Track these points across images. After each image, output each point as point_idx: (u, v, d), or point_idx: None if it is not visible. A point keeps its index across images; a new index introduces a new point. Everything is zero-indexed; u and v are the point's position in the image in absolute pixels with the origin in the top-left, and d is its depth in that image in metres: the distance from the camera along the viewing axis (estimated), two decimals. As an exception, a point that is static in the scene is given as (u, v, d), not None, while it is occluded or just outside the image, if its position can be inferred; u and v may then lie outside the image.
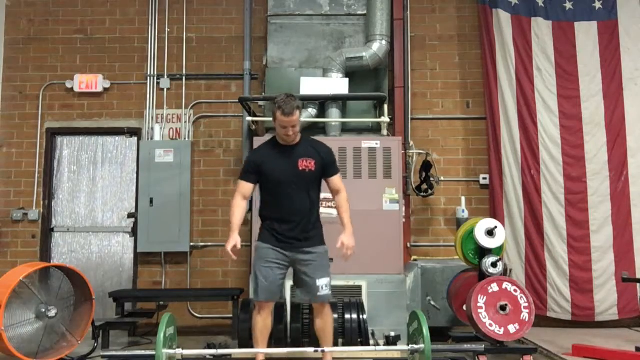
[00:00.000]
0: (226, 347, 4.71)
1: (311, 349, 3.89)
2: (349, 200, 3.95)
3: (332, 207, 5.02)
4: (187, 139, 6.40)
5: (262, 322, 3.85)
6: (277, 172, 3.82)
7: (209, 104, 6.52)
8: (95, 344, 4.66)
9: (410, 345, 3.81)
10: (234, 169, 6.36)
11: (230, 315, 5.82)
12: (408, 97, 6.29)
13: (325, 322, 3.89)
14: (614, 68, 6.19)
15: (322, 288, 3.78)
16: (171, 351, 3.64)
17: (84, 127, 6.53)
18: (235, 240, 3.72)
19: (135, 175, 6.39)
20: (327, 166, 3.91)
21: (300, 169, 3.82)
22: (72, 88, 6.52)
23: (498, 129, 6.16)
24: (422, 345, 3.65)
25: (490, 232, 4.65)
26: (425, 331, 3.63)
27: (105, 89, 6.54)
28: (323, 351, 3.85)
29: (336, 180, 3.95)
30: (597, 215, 5.99)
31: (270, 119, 5.70)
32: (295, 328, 4.54)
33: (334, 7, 6.11)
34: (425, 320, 3.70)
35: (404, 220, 5.25)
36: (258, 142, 5.34)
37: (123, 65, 6.58)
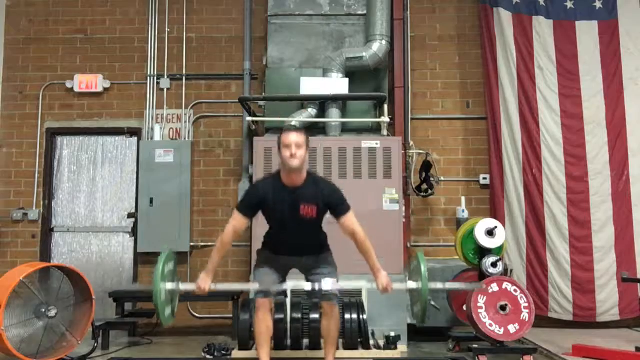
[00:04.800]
0: (226, 347, 4.71)
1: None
2: (367, 237, 3.63)
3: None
4: (187, 139, 6.40)
5: (262, 322, 3.75)
6: (279, 214, 3.66)
7: (209, 104, 6.52)
8: (95, 344, 4.66)
9: (409, 283, 3.76)
10: (234, 169, 6.36)
11: (230, 315, 5.82)
12: (408, 97, 6.29)
13: (332, 324, 3.82)
14: (614, 68, 6.18)
15: (327, 285, 3.70)
16: (170, 284, 3.58)
17: (84, 127, 6.53)
18: (207, 283, 3.59)
19: (135, 175, 6.39)
20: (332, 208, 3.63)
21: (302, 215, 3.60)
22: (72, 88, 6.52)
23: (499, 128, 6.15)
24: (419, 283, 3.62)
25: (490, 232, 4.65)
26: (424, 270, 3.59)
27: (105, 89, 6.54)
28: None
29: (346, 221, 3.61)
30: (599, 215, 5.97)
31: (271, 118, 5.78)
32: (295, 328, 4.55)
33: (334, 7, 6.11)
34: (424, 259, 3.66)
35: (404, 220, 5.25)
36: (258, 142, 5.38)
37: (123, 65, 6.58)
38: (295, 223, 3.63)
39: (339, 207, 3.62)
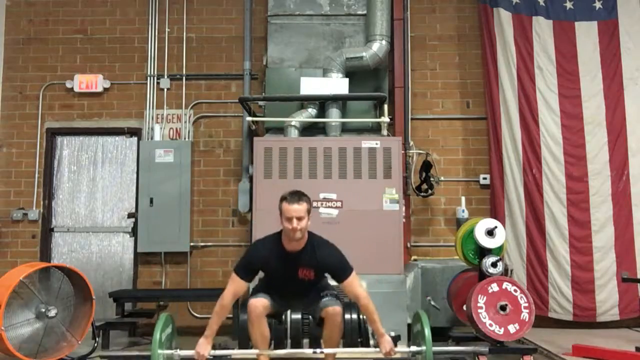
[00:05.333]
0: (226, 347, 4.70)
1: (309, 350, 3.82)
2: (371, 302, 3.56)
3: (332, 207, 5.05)
4: (187, 139, 6.40)
5: (256, 329, 3.68)
6: (277, 276, 3.68)
7: (209, 104, 6.52)
8: (95, 344, 4.65)
9: (412, 347, 3.78)
10: (234, 169, 6.36)
11: (230, 315, 5.80)
12: (408, 97, 6.29)
13: (333, 332, 3.74)
14: (614, 68, 6.18)
15: (327, 295, 3.74)
16: (168, 352, 3.57)
17: (84, 127, 6.54)
18: (206, 350, 3.51)
19: (135, 175, 6.39)
20: (331, 273, 3.64)
21: (300, 277, 3.63)
22: (72, 88, 6.52)
23: (499, 128, 6.16)
24: (423, 347, 3.62)
25: (490, 232, 4.65)
26: (427, 333, 3.59)
27: (105, 89, 6.54)
28: (322, 352, 3.78)
29: (348, 286, 3.56)
30: (599, 215, 5.98)
31: (271, 118, 5.78)
32: (295, 328, 4.54)
33: (334, 7, 6.11)
34: (427, 321, 3.66)
35: (404, 220, 5.24)
36: (258, 142, 5.37)
37: (123, 65, 6.58)
38: (294, 283, 3.66)
39: (338, 272, 3.60)
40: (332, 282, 3.79)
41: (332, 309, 3.66)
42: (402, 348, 3.83)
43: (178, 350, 3.66)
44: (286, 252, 3.61)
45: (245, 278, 3.63)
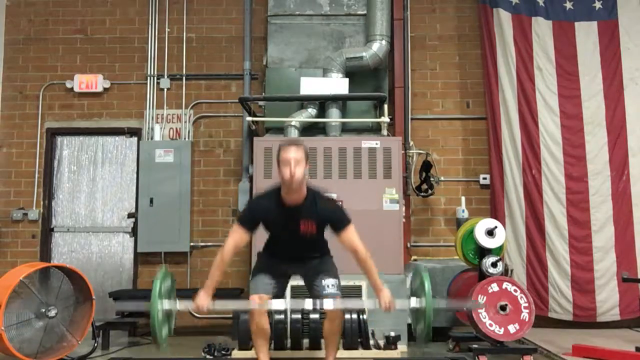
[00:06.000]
0: (226, 347, 4.71)
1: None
2: (369, 256, 3.54)
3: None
4: (187, 139, 6.40)
5: (258, 324, 3.65)
6: (279, 231, 3.63)
7: (209, 104, 6.52)
8: (95, 344, 4.65)
9: (412, 300, 3.73)
10: (234, 169, 6.36)
11: (230, 316, 5.80)
12: (408, 97, 6.29)
13: (333, 326, 3.74)
14: (614, 68, 6.18)
15: (327, 287, 3.65)
16: (167, 302, 3.52)
17: (84, 127, 6.53)
18: (206, 302, 3.48)
19: (135, 175, 6.39)
20: (332, 224, 3.55)
21: (302, 232, 3.54)
22: (72, 88, 6.52)
23: (499, 129, 6.15)
24: (422, 300, 3.59)
25: (490, 232, 4.65)
26: (427, 287, 3.56)
27: (105, 89, 6.54)
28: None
29: (346, 237, 3.51)
30: (599, 215, 5.97)
31: (271, 118, 5.78)
32: (295, 328, 4.54)
33: (334, 7, 6.11)
34: (427, 276, 3.64)
35: (404, 220, 5.24)
36: (258, 142, 5.37)
37: (123, 65, 6.58)
38: (295, 239, 3.59)
39: (338, 222, 3.54)
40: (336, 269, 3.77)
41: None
42: (402, 302, 3.77)
43: (178, 302, 3.63)
44: (286, 206, 3.52)
45: (246, 228, 3.56)
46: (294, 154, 3.40)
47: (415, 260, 5.94)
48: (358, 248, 3.52)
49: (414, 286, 3.96)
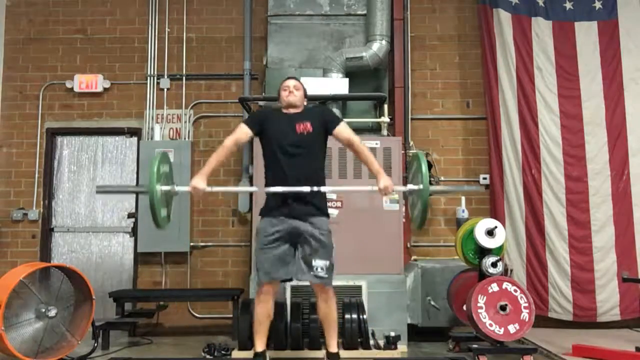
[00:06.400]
0: (226, 347, 4.71)
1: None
2: (365, 145, 3.87)
3: (332, 207, 5.05)
4: (187, 139, 6.40)
5: (262, 308, 3.74)
6: (278, 134, 3.82)
7: (209, 104, 6.52)
8: (95, 344, 4.66)
9: (409, 185, 3.79)
10: (234, 169, 6.36)
11: (230, 315, 5.82)
12: (408, 97, 6.29)
13: (329, 307, 3.80)
14: (614, 68, 6.18)
15: (318, 269, 3.67)
16: (166, 187, 3.62)
17: (84, 127, 6.53)
18: (201, 184, 3.67)
19: (135, 175, 6.39)
20: (327, 122, 3.87)
21: (299, 132, 3.79)
22: (72, 88, 6.52)
23: (499, 129, 6.15)
24: (420, 186, 3.62)
25: (490, 232, 4.65)
26: (424, 171, 3.63)
27: (105, 89, 6.53)
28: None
29: (341, 131, 3.84)
30: (599, 215, 5.97)
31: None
32: (295, 328, 4.55)
33: (334, 7, 6.11)
34: (424, 160, 3.72)
35: (404, 220, 5.25)
36: (258, 142, 5.35)
37: (123, 65, 6.57)
38: (294, 142, 3.77)
39: (332, 121, 3.88)
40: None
41: (317, 286, 3.75)
42: (399, 187, 3.97)
43: (175, 186, 3.74)
44: (285, 114, 3.94)
45: (249, 125, 3.91)
46: (293, 82, 3.97)
47: (415, 260, 5.93)
48: (353, 139, 3.84)
49: (412, 170, 4.04)
